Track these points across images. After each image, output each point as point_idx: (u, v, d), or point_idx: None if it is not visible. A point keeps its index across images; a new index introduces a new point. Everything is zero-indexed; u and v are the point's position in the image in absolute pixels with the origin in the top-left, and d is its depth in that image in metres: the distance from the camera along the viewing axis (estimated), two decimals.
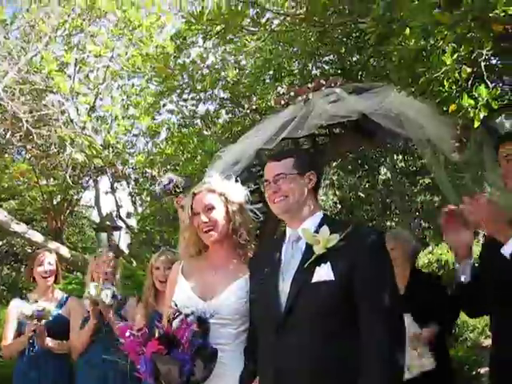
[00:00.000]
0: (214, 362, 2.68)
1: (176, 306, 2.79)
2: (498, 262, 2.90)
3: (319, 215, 2.70)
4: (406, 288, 4.54)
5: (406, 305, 4.51)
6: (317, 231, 2.57)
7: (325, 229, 2.54)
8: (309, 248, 2.55)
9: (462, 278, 3.29)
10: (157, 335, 2.66)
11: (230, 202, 2.99)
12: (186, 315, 2.70)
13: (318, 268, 2.48)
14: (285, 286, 2.55)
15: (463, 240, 3.27)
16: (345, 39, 5.84)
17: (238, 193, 3.07)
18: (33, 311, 4.58)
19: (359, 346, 2.37)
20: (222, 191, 3.00)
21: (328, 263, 2.47)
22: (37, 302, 4.70)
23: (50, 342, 4.64)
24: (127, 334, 2.71)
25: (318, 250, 2.50)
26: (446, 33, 2.67)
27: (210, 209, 2.96)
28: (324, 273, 2.46)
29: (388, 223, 13.75)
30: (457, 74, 2.77)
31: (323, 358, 2.40)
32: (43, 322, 4.60)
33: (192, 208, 3.00)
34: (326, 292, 2.44)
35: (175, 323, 2.68)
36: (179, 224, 3.43)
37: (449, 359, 4.77)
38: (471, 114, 2.79)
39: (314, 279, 2.47)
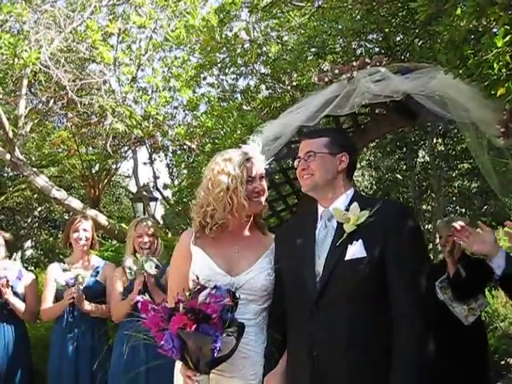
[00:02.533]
0: (242, 337, 2.63)
1: (198, 279, 2.69)
2: None
3: (350, 193, 2.72)
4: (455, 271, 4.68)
5: (452, 284, 4.65)
6: (347, 209, 2.60)
7: (355, 205, 2.57)
8: (340, 226, 2.58)
9: (498, 272, 3.31)
10: (181, 310, 2.53)
11: (264, 174, 2.94)
12: (212, 289, 2.61)
13: (350, 246, 2.51)
14: (318, 265, 2.58)
15: (487, 243, 3.30)
16: (391, 18, 5.77)
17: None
18: (65, 281, 4.68)
19: (391, 320, 2.42)
20: (263, 162, 2.96)
21: (360, 240, 2.50)
22: (67, 270, 4.78)
23: (87, 305, 4.74)
24: (149, 307, 2.61)
25: (349, 228, 2.53)
26: (500, 14, 2.61)
27: (262, 177, 2.89)
28: (356, 250, 2.50)
29: (424, 207, 13.61)
30: (508, 57, 2.72)
31: (358, 335, 2.43)
32: (80, 287, 4.70)
33: (249, 174, 2.82)
34: (359, 269, 2.47)
35: (201, 297, 2.56)
36: None
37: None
38: None
39: (347, 257, 2.50)
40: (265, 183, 2.90)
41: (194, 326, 2.49)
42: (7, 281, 4.81)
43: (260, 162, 2.92)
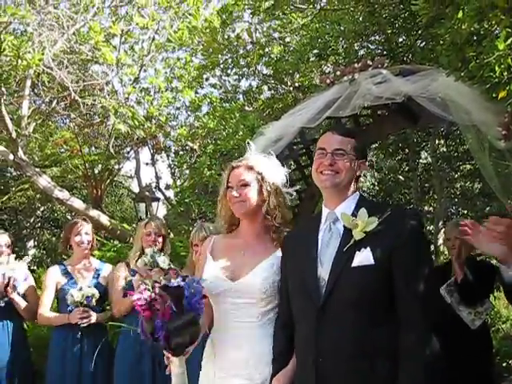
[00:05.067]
0: (193, 329, 2.73)
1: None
2: None
3: (355, 196, 2.69)
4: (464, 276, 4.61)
5: (460, 288, 4.60)
6: (354, 214, 2.56)
7: (363, 211, 2.53)
8: (347, 232, 2.55)
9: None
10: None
11: (266, 182, 2.97)
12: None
13: (357, 252, 2.48)
14: (323, 271, 2.55)
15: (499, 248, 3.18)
16: (392, 20, 5.78)
17: (277, 174, 3.05)
18: (82, 299, 4.68)
19: (398, 329, 2.41)
20: (259, 170, 2.99)
21: (368, 248, 2.47)
22: (81, 289, 4.74)
23: (94, 316, 4.75)
24: (135, 297, 2.80)
25: (357, 235, 2.50)
26: (501, 17, 2.62)
27: (243, 185, 2.96)
28: (364, 257, 2.47)
29: (426, 208, 13.59)
30: (509, 60, 2.72)
31: (363, 343, 2.42)
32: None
33: (228, 181, 3.01)
34: (365, 276, 2.45)
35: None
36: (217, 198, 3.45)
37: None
38: None
39: (354, 264, 2.47)
40: (247, 191, 2.95)
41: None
42: (8, 280, 4.82)
43: (247, 170, 2.99)
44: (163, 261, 4.44)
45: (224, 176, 3.08)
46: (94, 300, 4.70)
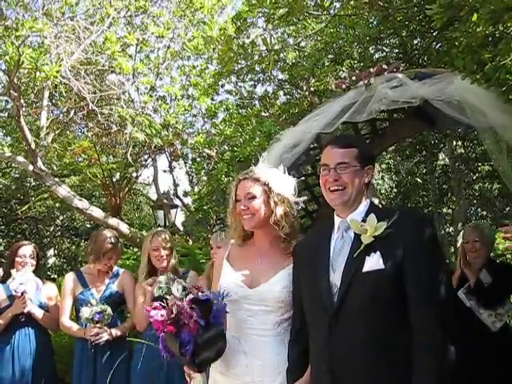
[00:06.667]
0: (219, 343, 2.76)
1: (198, 288, 2.92)
2: None
3: (366, 204, 2.67)
4: (476, 280, 4.66)
5: (477, 292, 4.59)
6: (364, 220, 2.56)
7: (372, 217, 2.52)
8: (357, 237, 2.54)
9: None
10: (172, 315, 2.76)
11: (273, 193, 2.97)
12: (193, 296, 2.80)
13: (367, 257, 2.47)
14: (335, 278, 2.55)
15: None
16: (407, 23, 5.78)
17: (284, 184, 3.05)
18: (92, 315, 4.67)
19: (411, 335, 2.39)
20: (266, 181, 2.99)
21: (378, 252, 2.46)
22: (93, 305, 4.73)
23: (106, 335, 4.74)
24: (152, 313, 2.78)
25: (366, 239, 2.49)
26: None
27: (250, 197, 2.97)
28: (374, 262, 2.45)
29: (444, 210, 13.51)
30: None
31: (378, 350, 2.40)
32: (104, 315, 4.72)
33: (236, 194, 3.03)
34: (377, 281, 2.43)
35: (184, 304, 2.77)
36: None
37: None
38: None
39: (365, 269, 2.46)
40: (254, 203, 2.96)
41: (175, 331, 2.73)
42: (22, 294, 4.86)
43: (253, 182, 2.99)
44: (177, 290, 4.43)
45: (232, 189, 3.09)
46: (105, 315, 4.69)
